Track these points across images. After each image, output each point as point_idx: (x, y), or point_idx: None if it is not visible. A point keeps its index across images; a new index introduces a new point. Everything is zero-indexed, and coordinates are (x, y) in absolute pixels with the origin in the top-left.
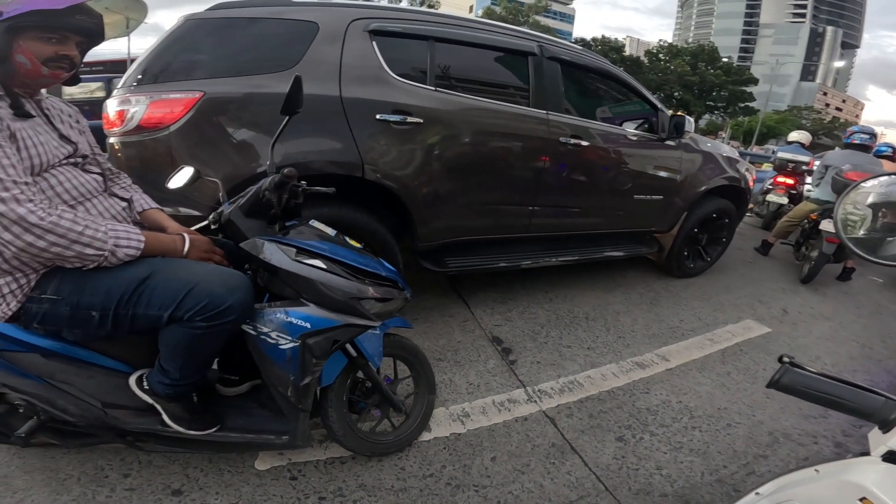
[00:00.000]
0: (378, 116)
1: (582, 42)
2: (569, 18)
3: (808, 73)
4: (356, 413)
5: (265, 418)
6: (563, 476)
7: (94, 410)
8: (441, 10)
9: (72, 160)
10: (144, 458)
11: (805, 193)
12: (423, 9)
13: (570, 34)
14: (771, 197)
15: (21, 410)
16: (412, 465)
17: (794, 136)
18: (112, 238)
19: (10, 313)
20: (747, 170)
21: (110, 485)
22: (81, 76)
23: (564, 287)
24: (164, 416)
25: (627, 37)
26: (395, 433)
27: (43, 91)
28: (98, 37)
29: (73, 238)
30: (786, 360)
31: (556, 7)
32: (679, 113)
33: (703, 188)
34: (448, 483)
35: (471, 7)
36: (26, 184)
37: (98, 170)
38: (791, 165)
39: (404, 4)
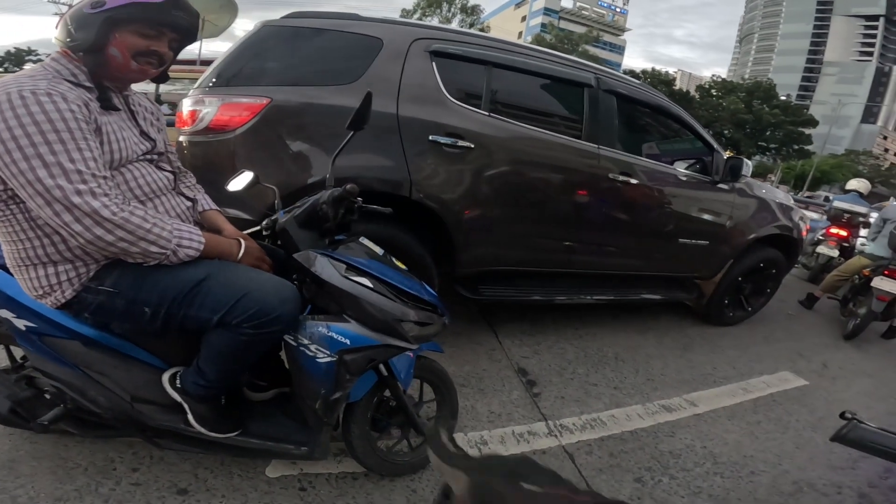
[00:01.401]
0: (430, 137)
1: (631, 74)
2: (619, 49)
3: (870, 114)
4: (377, 431)
5: (287, 427)
6: None
7: (123, 403)
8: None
9: (148, 157)
10: (156, 454)
11: (858, 248)
12: (484, 33)
13: (620, 65)
14: (821, 249)
15: (48, 397)
16: (424, 487)
17: (853, 184)
18: (176, 237)
19: (62, 301)
20: (801, 219)
21: (116, 478)
22: None
23: (595, 325)
24: (190, 416)
25: (679, 70)
26: (411, 454)
27: (131, 86)
28: (191, 35)
29: (140, 235)
30: (849, 415)
31: (607, 38)
32: (730, 153)
33: (753, 236)
34: None
35: (520, 33)
36: (104, 178)
37: (170, 168)
38: (847, 216)
39: (454, 26)
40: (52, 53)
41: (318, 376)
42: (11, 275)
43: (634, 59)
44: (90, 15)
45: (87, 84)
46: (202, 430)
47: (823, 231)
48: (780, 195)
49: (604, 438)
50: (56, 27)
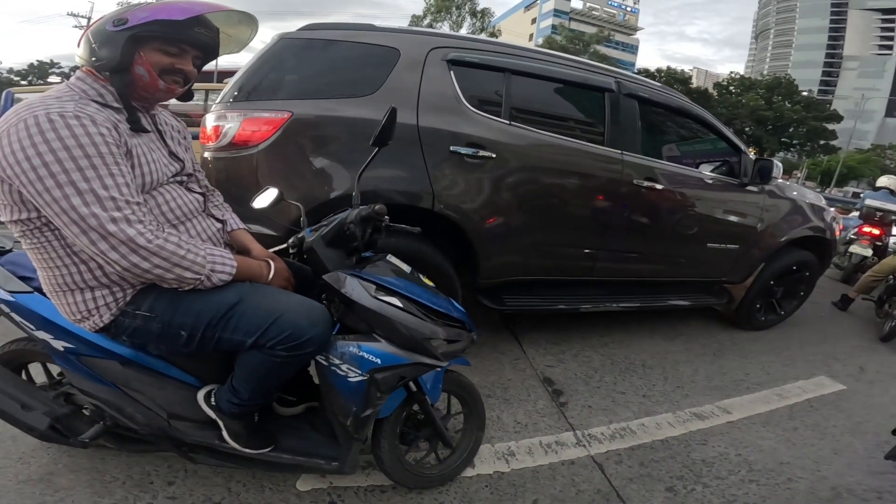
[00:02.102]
0: (451, 148)
1: (645, 73)
2: (632, 49)
3: (894, 108)
4: (405, 444)
5: (317, 442)
6: None
7: (159, 420)
8: (500, 40)
9: (178, 178)
10: (190, 468)
11: (892, 246)
12: (499, 40)
13: (633, 65)
14: (854, 248)
15: (87, 414)
16: (452, 500)
17: (884, 181)
18: (209, 263)
19: (101, 325)
20: (833, 219)
21: (153, 491)
22: None
23: (621, 332)
24: (224, 433)
25: (694, 68)
26: (439, 467)
27: (157, 106)
28: (213, 52)
29: (175, 261)
30: None
31: (619, 38)
32: (753, 150)
33: (785, 238)
34: None
35: (530, 35)
36: (137, 204)
37: (199, 189)
38: (879, 214)
39: (463, 32)
40: (77, 72)
41: (350, 394)
42: (47, 297)
43: (648, 58)
44: (113, 33)
45: (116, 105)
46: (236, 446)
47: (856, 230)
48: (811, 195)
49: (633, 448)
50: (78, 45)
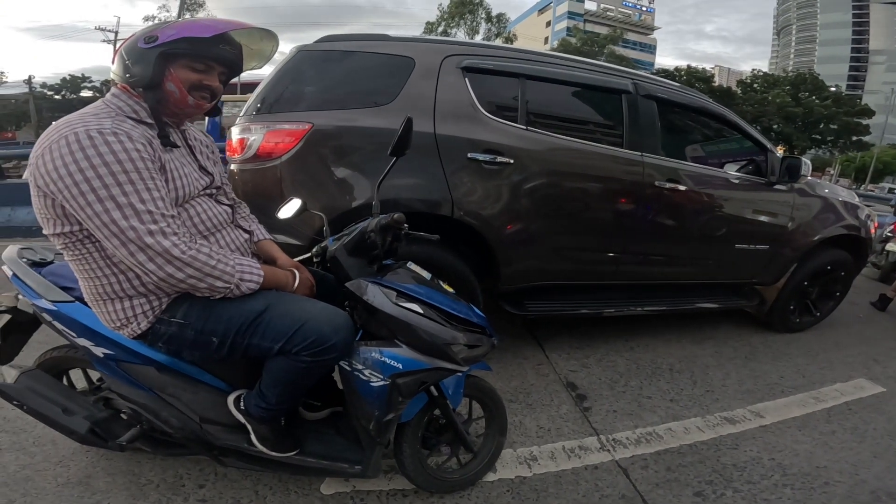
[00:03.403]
0: (469, 155)
1: (664, 73)
2: (650, 49)
3: None
4: (427, 448)
5: (341, 446)
6: None
7: (192, 424)
8: (519, 45)
9: (207, 191)
10: (220, 471)
11: None
12: (514, 46)
13: (652, 65)
14: (891, 246)
15: (124, 417)
16: None
17: None
18: (238, 272)
19: (138, 332)
20: (868, 217)
21: (185, 494)
22: None
23: (647, 336)
24: (252, 436)
25: (716, 66)
26: (461, 471)
27: (187, 122)
28: (238, 68)
29: (207, 272)
30: None
31: (636, 38)
32: (782, 148)
33: (818, 238)
34: None
35: (546, 38)
36: (172, 217)
37: (227, 201)
38: None
39: (478, 39)
40: (113, 89)
41: (372, 399)
42: (87, 306)
43: (667, 58)
44: (145, 50)
45: (149, 121)
46: (263, 449)
47: (892, 227)
48: (844, 193)
49: (660, 452)
50: (112, 62)
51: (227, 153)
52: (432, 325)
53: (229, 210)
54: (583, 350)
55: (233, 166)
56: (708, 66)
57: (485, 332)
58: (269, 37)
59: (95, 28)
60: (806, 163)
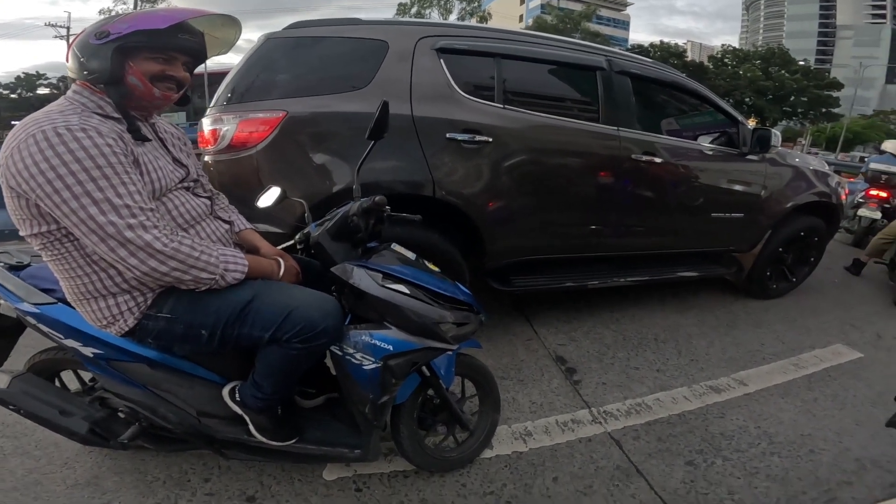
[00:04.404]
0: (448, 135)
1: (639, 48)
2: (623, 24)
3: (893, 75)
4: (424, 429)
5: (340, 431)
6: (627, 499)
7: (190, 418)
8: (494, 24)
9: (184, 184)
10: (224, 464)
11: None
12: (488, 25)
13: (626, 41)
14: (863, 211)
15: (122, 416)
16: (473, 482)
17: (889, 145)
18: (222, 262)
19: (126, 329)
20: (838, 184)
21: (192, 489)
22: None
23: (633, 307)
24: (251, 427)
25: (688, 42)
26: (458, 450)
27: (156, 114)
28: (201, 56)
29: (190, 263)
30: None
31: (609, 14)
32: (754, 121)
33: (790, 205)
34: (508, 501)
35: (521, 17)
36: (151, 210)
37: (205, 193)
38: (885, 177)
39: (452, 19)
40: (73, 86)
41: (365, 382)
42: (71, 307)
43: (640, 34)
44: (98, 46)
45: (115, 115)
46: (263, 439)
47: (863, 193)
48: (815, 161)
49: (650, 423)
50: (67, 60)
51: (199, 145)
52: (420, 305)
53: (207, 202)
54: (570, 324)
55: (207, 158)
56: (680, 42)
57: (472, 309)
58: (231, 23)
59: (46, 24)
60: (776, 134)
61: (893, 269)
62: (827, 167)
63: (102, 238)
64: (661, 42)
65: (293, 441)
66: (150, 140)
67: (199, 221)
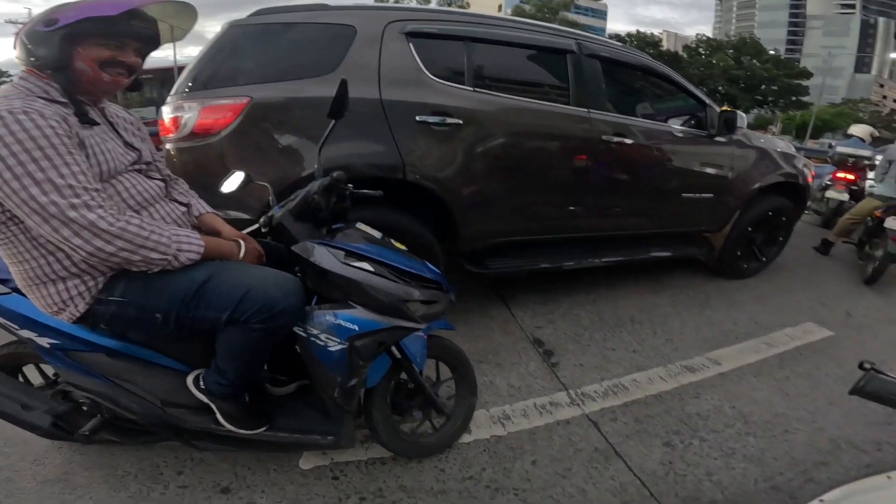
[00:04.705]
0: (418, 118)
1: (616, 38)
2: (601, 14)
3: (862, 64)
4: (399, 414)
5: (312, 419)
6: (606, 481)
7: (155, 409)
8: (471, 10)
9: (136, 167)
10: (196, 456)
11: (868, 189)
12: (458, 9)
13: (604, 30)
14: (830, 193)
15: (85, 408)
16: (452, 467)
17: (855, 130)
18: (175, 243)
19: (78, 314)
20: (805, 165)
21: (164, 482)
22: None
23: (608, 289)
24: (218, 415)
25: (664, 31)
26: (436, 435)
27: (105, 99)
28: (154, 42)
29: (139, 243)
30: (867, 365)
31: (587, 4)
32: (727, 108)
33: (758, 185)
34: (488, 486)
35: (499, 6)
36: (96, 190)
37: (159, 176)
38: (851, 161)
39: (433, 5)
40: (20, 72)
41: (332, 365)
42: (25, 296)
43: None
44: (45, 33)
45: (62, 100)
46: (232, 428)
47: (830, 176)
48: (781, 144)
49: (627, 404)
50: (14, 47)
51: (161, 133)
52: (384, 283)
53: (162, 184)
54: (547, 306)
55: (168, 146)
56: (656, 32)
57: (441, 287)
58: (185, 8)
59: (6, 21)
60: (741, 115)
61: (861, 248)
62: (793, 149)
63: (45, 218)
64: (638, 32)
65: (263, 429)
66: (99, 124)
67: (152, 203)
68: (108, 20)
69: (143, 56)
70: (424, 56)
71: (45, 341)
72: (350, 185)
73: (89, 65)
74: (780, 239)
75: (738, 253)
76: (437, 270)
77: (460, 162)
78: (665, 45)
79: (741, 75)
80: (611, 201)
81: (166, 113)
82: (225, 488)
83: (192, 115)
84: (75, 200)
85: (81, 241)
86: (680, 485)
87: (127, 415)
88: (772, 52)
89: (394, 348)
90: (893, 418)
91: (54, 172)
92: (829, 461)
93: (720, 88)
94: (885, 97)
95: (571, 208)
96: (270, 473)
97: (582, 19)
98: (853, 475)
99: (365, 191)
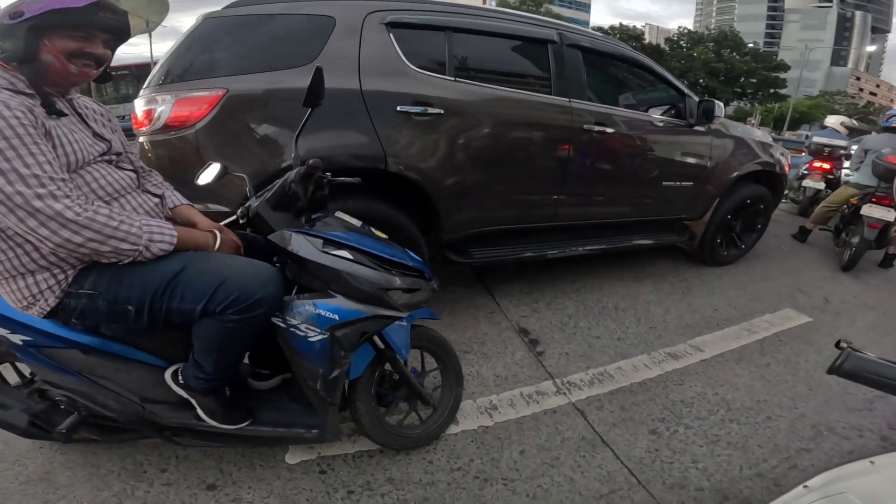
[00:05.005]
0: (399, 108)
1: (599, 31)
2: (584, 7)
3: (839, 58)
4: (384, 406)
5: (296, 412)
6: (594, 470)
7: (133, 405)
8: (453, 1)
9: (106, 157)
10: (181, 453)
11: (843, 178)
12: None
13: (588, 23)
14: (807, 182)
15: (62, 407)
16: (440, 458)
17: (830, 121)
18: (146, 233)
19: (48, 309)
20: (782, 154)
21: (148, 480)
22: None
23: (592, 277)
24: (199, 411)
25: (646, 24)
26: (422, 426)
27: (73, 91)
28: (124, 34)
29: (108, 233)
30: (845, 344)
31: None
32: (707, 98)
33: (736, 174)
34: (476, 476)
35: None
36: (63, 180)
37: (131, 167)
38: (827, 150)
39: None
40: None
41: (313, 356)
42: None
43: (600, 16)
44: (10, 26)
45: (28, 91)
46: (213, 423)
47: (807, 165)
48: (758, 133)
49: (613, 392)
50: None
51: (133, 126)
52: (364, 271)
53: (133, 175)
54: (532, 295)
55: (141, 139)
56: (639, 25)
57: (423, 275)
58: (157, 2)
59: None
60: (719, 105)
61: (838, 235)
62: (770, 139)
63: (11, 209)
64: (620, 25)
65: (246, 424)
66: (67, 115)
67: (123, 194)
68: (74, 11)
69: (113, 48)
70: (405, 46)
71: (17, 338)
72: (328, 174)
73: (56, 56)
74: (759, 226)
75: (718, 240)
76: (419, 258)
77: (442, 152)
78: (647, 38)
79: (721, 68)
80: (593, 190)
81: (139, 106)
82: (211, 485)
83: (165, 108)
84: (41, 190)
85: (48, 232)
86: (667, 472)
87: (105, 412)
88: (750, 46)
89: (377, 338)
90: (873, 404)
91: (19, 162)
92: (811, 448)
93: (701, 81)
94: (861, 90)
95: (554, 197)
96: (256, 469)
97: (566, 12)
98: (836, 462)
99: (343, 178)
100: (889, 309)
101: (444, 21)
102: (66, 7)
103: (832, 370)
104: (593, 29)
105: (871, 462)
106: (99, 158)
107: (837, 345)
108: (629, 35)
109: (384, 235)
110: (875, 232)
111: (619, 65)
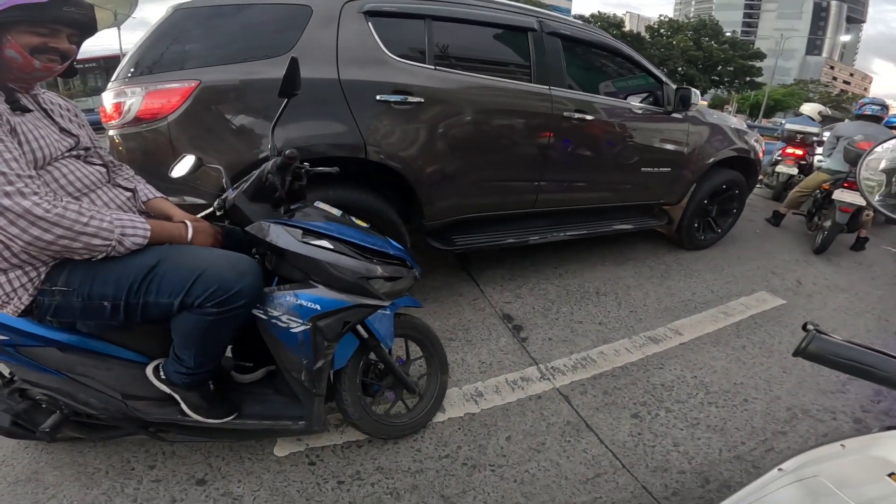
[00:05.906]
0: (378, 97)
1: (580, 19)
2: None
3: (813, 47)
4: (370, 396)
5: (281, 404)
6: (579, 454)
7: (115, 402)
8: None
9: (74, 153)
10: (168, 449)
11: (816, 164)
12: None
13: (569, 11)
14: (780, 168)
15: (44, 406)
16: (428, 446)
17: (805, 108)
18: (118, 227)
19: (22, 307)
20: (756, 141)
21: (137, 476)
22: None
23: (574, 262)
24: (183, 406)
25: (627, 13)
26: (409, 415)
27: (38, 86)
28: (90, 28)
29: (79, 230)
30: (811, 327)
31: None
32: (684, 86)
33: (712, 160)
34: (464, 463)
35: None
36: (30, 177)
37: (100, 161)
38: (799, 137)
39: None
40: None
41: (296, 347)
42: None
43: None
44: None
45: None
46: (198, 417)
47: (780, 152)
48: (734, 120)
49: (596, 377)
50: None
51: (102, 120)
52: (345, 260)
53: (103, 169)
54: (515, 281)
55: (111, 133)
56: (619, 13)
57: (404, 263)
58: None
59: None
60: (695, 92)
61: (811, 219)
62: (745, 126)
63: None
64: (600, 13)
65: (231, 417)
66: (32, 111)
67: (93, 189)
68: (37, 7)
69: (79, 42)
70: (384, 35)
71: None
72: (306, 164)
73: (19, 52)
74: (734, 211)
75: (696, 224)
76: (400, 247)
77: (422, 140)
78: (628, 26)
79: (699, 56)
80: (573, 176)
81: (107, 99)
82: (200, 480)
83: (135, 101)
84: (8, 188)
85: (18, 230)
86: (650, 456)
87: (87, 410)
88: (728, 34)
89: (360, 328)
90: (846, 386)
91: None
92: (787, 431)
93: (679, 69)
94: (835, 78)
95: (535, 184)
96: (245, 462)
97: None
98: (810, 444)
99: (321, 168)
100: (860, 291)
101: (424, 9)
102: (29, 2)
103: (798, 353)
104: (574, 17)
105: (842, 445)
106: (67, 154)
107: (804, 327)
108: (610, 23)
109: (365, 224)
110: (847, 216)
111: (599, 53)
